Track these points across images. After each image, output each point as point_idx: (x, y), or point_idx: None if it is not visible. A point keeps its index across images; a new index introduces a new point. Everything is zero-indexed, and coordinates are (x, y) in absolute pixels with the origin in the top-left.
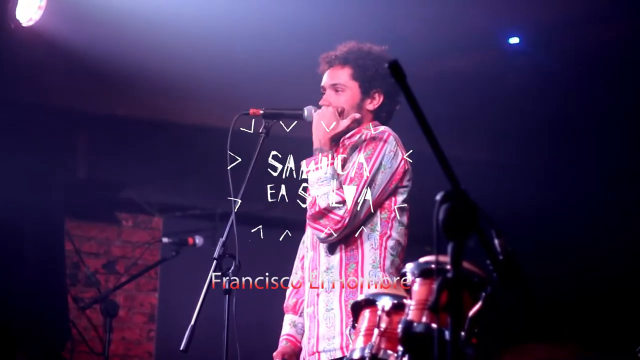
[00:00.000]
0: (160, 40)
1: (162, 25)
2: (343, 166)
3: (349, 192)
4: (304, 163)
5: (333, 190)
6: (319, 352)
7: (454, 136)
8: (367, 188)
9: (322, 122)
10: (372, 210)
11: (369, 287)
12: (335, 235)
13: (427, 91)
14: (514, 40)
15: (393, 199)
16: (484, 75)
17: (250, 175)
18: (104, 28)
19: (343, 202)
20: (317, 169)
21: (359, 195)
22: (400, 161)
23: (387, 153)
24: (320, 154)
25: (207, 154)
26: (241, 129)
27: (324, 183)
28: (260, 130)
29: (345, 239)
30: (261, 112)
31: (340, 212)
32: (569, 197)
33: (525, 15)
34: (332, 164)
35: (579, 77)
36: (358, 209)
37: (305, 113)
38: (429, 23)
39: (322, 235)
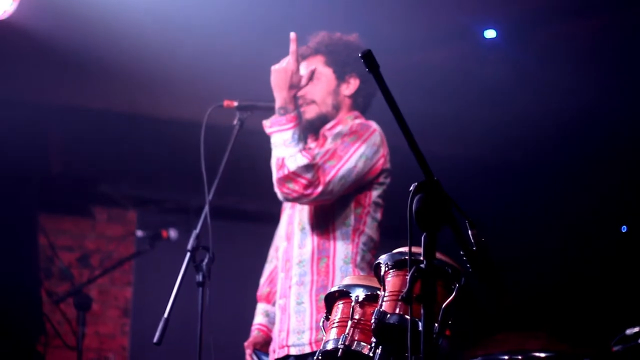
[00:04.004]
0: (135, 33)
1: (137, 18)
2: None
3: (328, 167)
4: (267, 122)
5: (300, 151)
6: (288, 346)
7: (429, 129)
8: (346, 169)
9: (281, 78)
10: (347, 192)
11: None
12: (304, 200)
13: (402, 84)
14: (490, 33)
15: (368, 194)
16: (459, 69)
17: (225, 168)
18: (78, 21)
19: (311, 164)
20: (282, 130)
21: (338, 172)
22: (380, 158)
23: (371, 145)
24: (286, 113)
25: (182, 147)
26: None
27: (291, 144)
28: (235, 122)
29: (317, 232)
30: (235, 104)
31: (309, 176)
32: (543, 191)
33: (502, 9)
34: (298, 124)
35: (555, 72)
36: (334, 185)
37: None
38: (404, 15)
39: (290, 198)
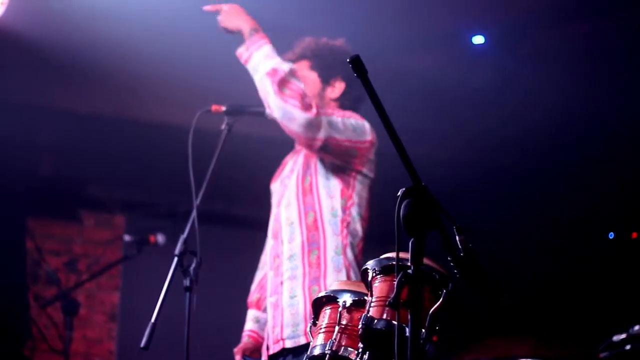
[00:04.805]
0: (124, 37)
1: (126, 22)
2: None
3: (321, 109)
4: (241, 49)
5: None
6: (283, 340)
7: (416, 134)
8: (336, 121)
9: (236, 10)
10: (331, 157)
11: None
12: (300, 115)
13: (389, 89)
14: (479, 39)
15: (352, 184)
16: (447, 74)
17: (212, 173)
18: (68, 24)
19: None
20: (260, 46)
21: (329, 116)
22: (366, 141)
23: (360, 125)
24: (257, 33)
25: (170, 152)
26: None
27: (273, 54)
28: (223, 127)
29: (306, 225)
30: (223, 108)
31: (302, 85)
32: (532, 197)
33: (490, 15)
34: (270, 42)
35: (543, 77)
36: (324, 123)
37: (268, 110)
38: (392, 20)
39: (289, 108)
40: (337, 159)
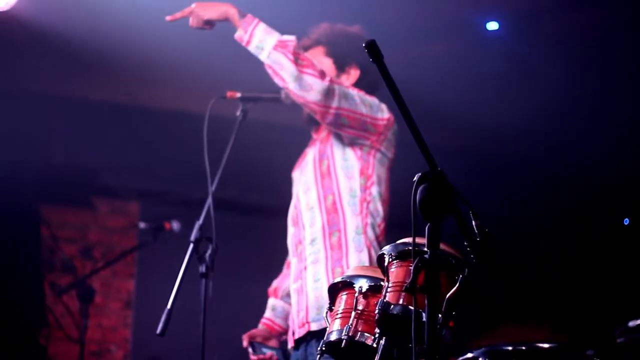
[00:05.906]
0: (137, 24)
1: (139, 9)
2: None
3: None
4: (239, 31)
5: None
6: (309, 323)
7: (432, 121)
8: (350, 93)
9: (210, 4)
10: (346, 129)
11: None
12: (322, 82)
13: (404, 76)
14: (493, 25)
15: (371, 162)
16: (461, 60)
17: (228, 159)
18: (81, 12)
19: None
20: (257, 23)
21: (346, 89)
22: (383, 119)
23: (374, 102)
24: (247, 15)
25: (184, 138)
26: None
27: (271, 30)
28: (238, 113)
29: (325, 208)
30: (238, 95)
31: (307, 55)
32: (545, 182)
33: (505, 1)
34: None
35: (557, 64)
36: (337, 91)
37: (283, 96)
38: (406, 7)
39: (314, 80)
40: (353, 131)
